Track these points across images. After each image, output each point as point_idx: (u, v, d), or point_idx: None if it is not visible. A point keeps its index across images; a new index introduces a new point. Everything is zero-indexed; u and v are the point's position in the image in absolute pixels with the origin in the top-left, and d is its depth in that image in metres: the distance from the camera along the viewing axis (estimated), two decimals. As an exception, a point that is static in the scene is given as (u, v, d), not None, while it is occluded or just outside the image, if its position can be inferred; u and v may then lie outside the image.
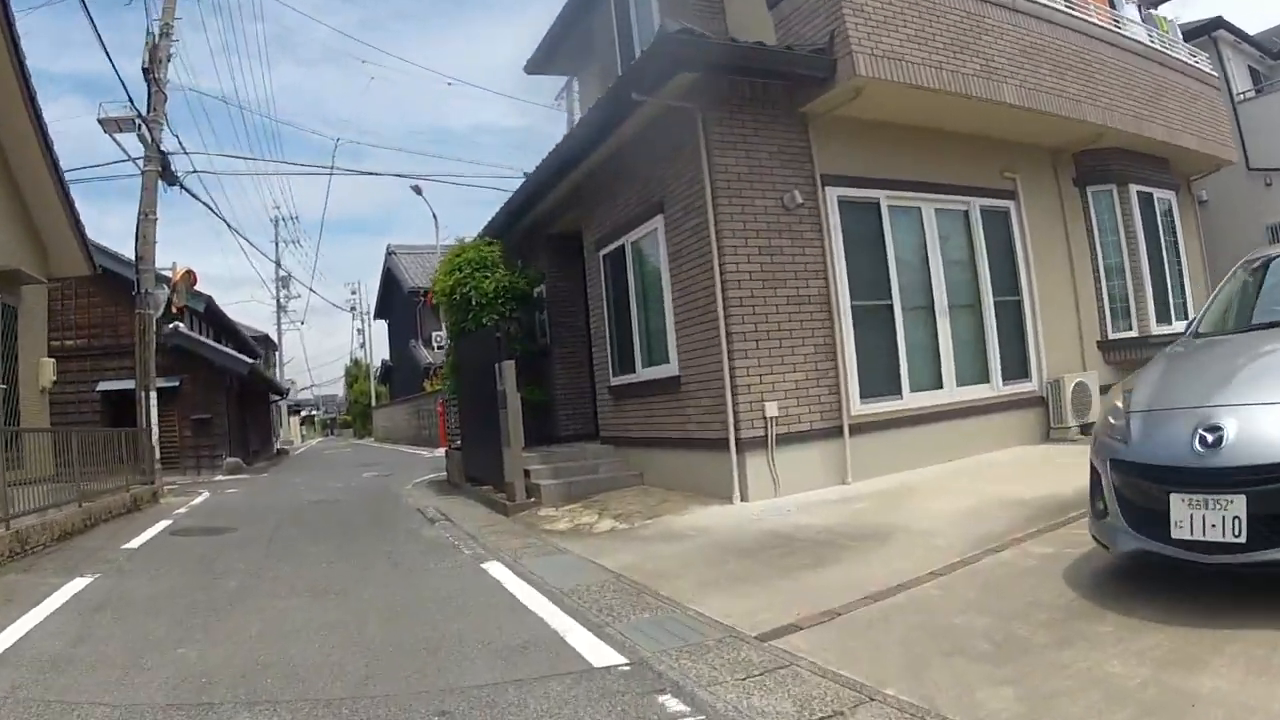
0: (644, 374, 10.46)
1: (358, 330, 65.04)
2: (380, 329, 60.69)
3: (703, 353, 8.93)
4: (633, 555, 6.53)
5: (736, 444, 8.34)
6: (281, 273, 56.76)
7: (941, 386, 9.90)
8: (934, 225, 10.10)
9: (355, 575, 6.74)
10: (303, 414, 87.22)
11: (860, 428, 8.98)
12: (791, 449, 8.55)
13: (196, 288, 20.01)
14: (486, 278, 12.69)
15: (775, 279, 8.75)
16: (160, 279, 16.45)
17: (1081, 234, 11.72)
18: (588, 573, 6.12)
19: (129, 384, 20.15)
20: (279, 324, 57.12)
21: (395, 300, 47.49)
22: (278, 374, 56.93)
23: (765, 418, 8.40)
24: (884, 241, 9.61)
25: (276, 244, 56.85)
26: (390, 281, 46.88)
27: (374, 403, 58.04)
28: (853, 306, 9.19)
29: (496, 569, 6.56)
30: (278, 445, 39.11)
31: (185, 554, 8.23)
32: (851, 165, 9.39)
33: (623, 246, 10.81)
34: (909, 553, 5.66)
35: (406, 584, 6.34)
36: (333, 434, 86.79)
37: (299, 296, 67.17)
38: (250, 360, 21.09)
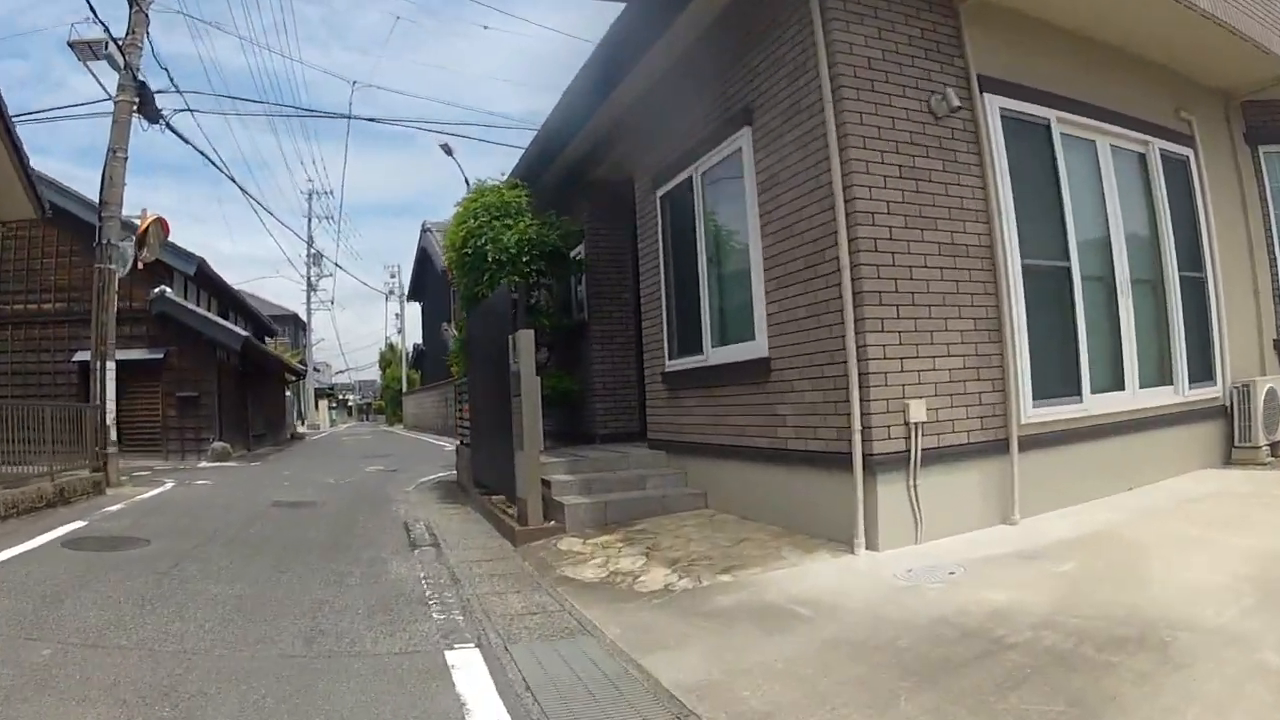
0: (714, 356, 7.71)
1: (395, 315, 62.74)
2: (415, 312, 58.86)
3: (810, 324, 6.16)
4: (710, 659, 3.79)
5: (865, 461, 5.53)
6: (312, 250, 55.20)
7: (1123, 388, 7.15)
8: (1111, 166, 7.35)
9: (226, 667, 4.04)
10: (341, 398, 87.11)
11: (1031, 442, 6.20)
12: (941, 471, 5.76)
13: (179, 244, 17.66)
14: (508, 227, 10.06)
15: (922, 217, 5.97)
16: (129, 227, 13.94)
17: (1256, 202, 8.95)
18: (631, 702, 3.37)
19: (120, 354, 17.91)
20: (308, 303, 55.36)
21: (429, 280, 45.23)
22: (307, 355, 55.16)
23: (907, 423, 5.61)
24: (1058, 179, 6.83)
25: (309, 220, 55.21)
26: (424, 261, 44.57)
27: (404, 388, 55.80)
28: (1023, 266, 6.40)
29: (469, 674, 3.86)
30: (294, 430, 36.76)
31: (25, 589, 5.61)
32: (1015, 69, 6.66)
33: (689, 180, 8.07)
34: (1238, 687, 3.02)
35: (296, 704, 3.60)
36: (367, 419, 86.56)
37: (330, 275, 64.97)
38: (244, 333, 18.57)
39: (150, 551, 7.15)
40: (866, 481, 5.49)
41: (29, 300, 18.08)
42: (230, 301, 24.61)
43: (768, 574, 5.16)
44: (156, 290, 17.72)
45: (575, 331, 11.22)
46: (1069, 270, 6.73)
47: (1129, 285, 7.24)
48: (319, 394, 63.32)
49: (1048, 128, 6.82)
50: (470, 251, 10.24)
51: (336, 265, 70.80)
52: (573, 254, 11.13)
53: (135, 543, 7.59)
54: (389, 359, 67.21)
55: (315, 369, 65.89)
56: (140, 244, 13.77)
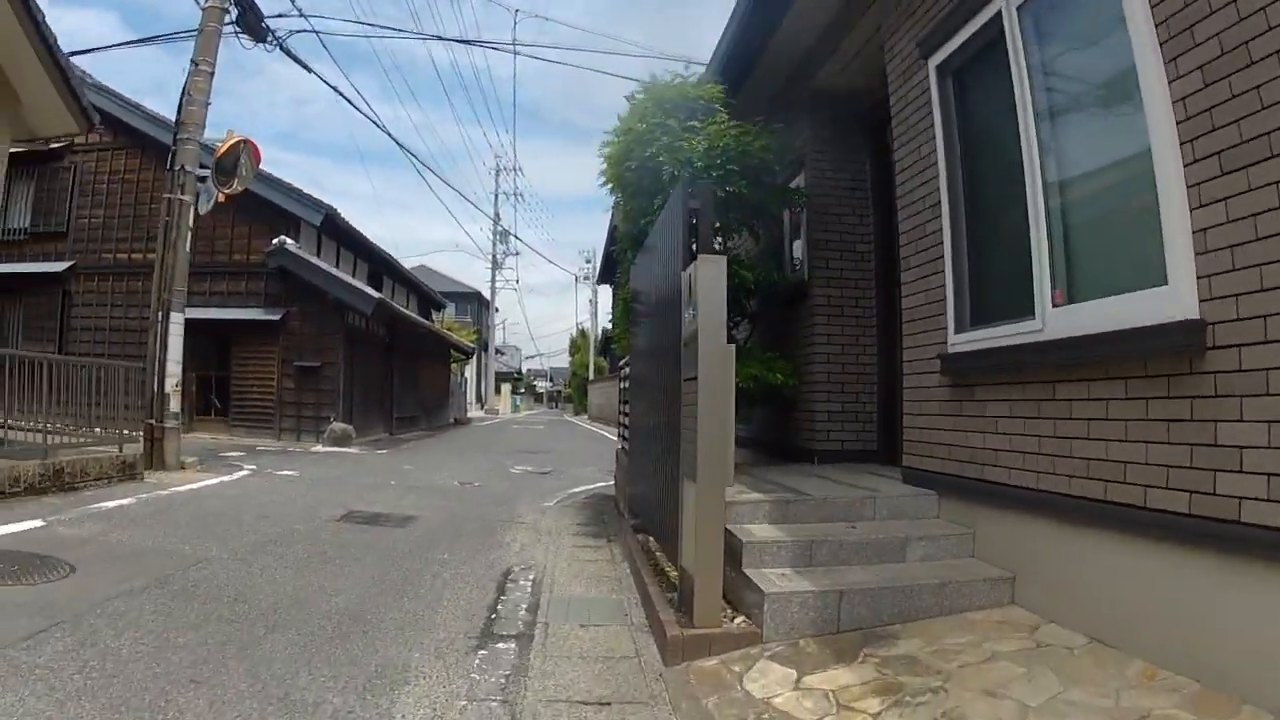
0: (1060, 321, 3.78)
1: (589, 301, 61.02)
2: (606, 296, 56.47)
3: None
4: None
5: None
6: (498, 226, 53.78)
7: None
8: None
9: None
10: (531, 384, 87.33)
11: None
12: None
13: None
14: (692, 131, 6.72)
15: None
16: (208, 151, 11.19)
17: None
18: None
19: (228, 312, 15.60)
20: (493, 281, 53.67)
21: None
22: (489, 335, 53.81)
23: None
24: None
25: (495, 196, 54.01)
26: (615, 239, 41.80)
27: (591, 376, 53.46)
28: None
29: None
30: (461, 414, 34.62)
31: None
32: None
33: (994, 21, 4.32)
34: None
35: None
36: (555, 406, 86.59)
37: (518, 253, 63.65)
38: (376, 295, 15.76)
39: (35, 597, 3.99)
40: None
41: (134, 249, 16.04)
42: (377, 262, 22.11)
43: None
44: (276, 241, 15.23)
45: (787, 297, 7.51)
46: None
47: None
48: (501, 377, 62.14)
49: None
50: (634, 166, 6.82)
51: (515, 237, 68.92)
52: (790, 183, 7.56)
53: (41, 571, 4.61)
54: (579, 345, 65.58)
55: (499, 351, 65.08)
56: (221, 170, 10.92)
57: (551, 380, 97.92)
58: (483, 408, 51.34)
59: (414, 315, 22.84)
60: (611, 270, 47.65)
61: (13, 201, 17.26)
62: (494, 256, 53.94)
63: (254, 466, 11.07)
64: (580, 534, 7.29)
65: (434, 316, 31.86)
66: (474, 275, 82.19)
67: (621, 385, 9.04)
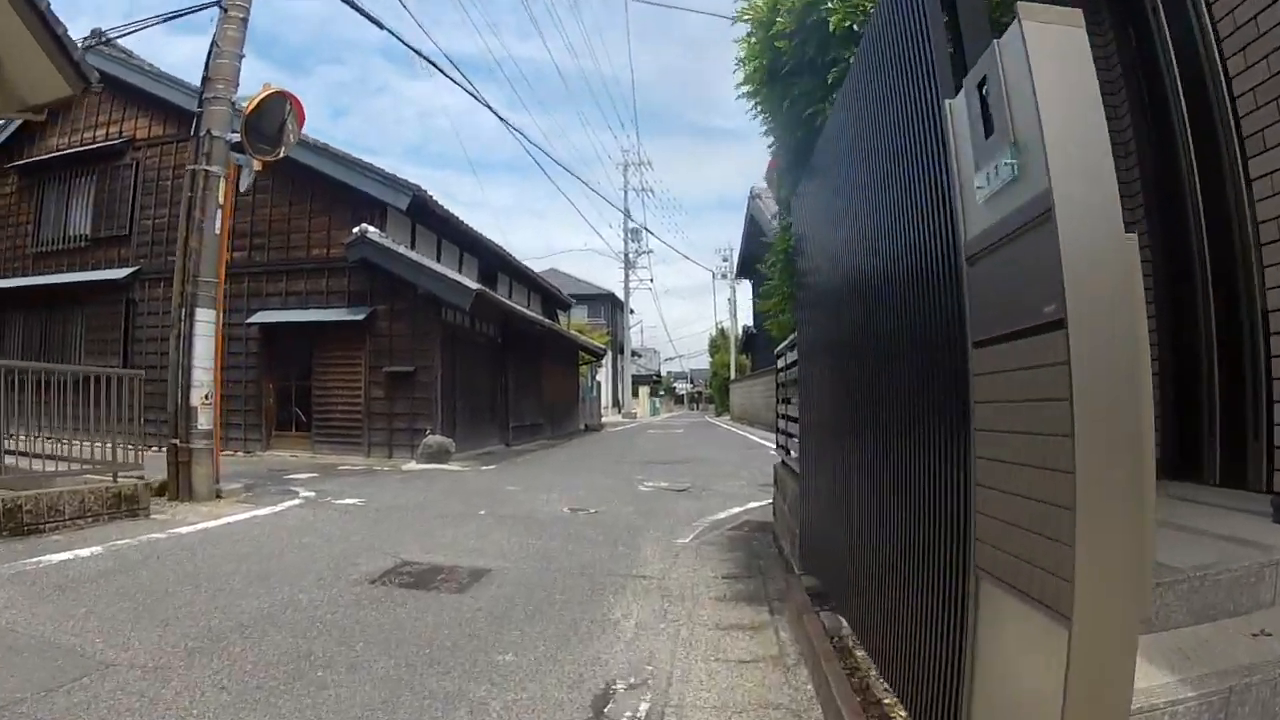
0: None
1: (728, 300, 58.54)
2: (746, 291, 54.01)
3: None
4: None
5: None
6: (629, 223, 51.67)
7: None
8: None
9: None
10: (670, 386, 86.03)
11: None
12: None
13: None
14: None
15: None
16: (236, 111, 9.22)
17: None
18: None
19: (307, 314, 13.81)
20: (626, 280, 51.65)
21: (759, 252, 39.88)
22: (623, 336, 51.84)
23: None
24: None
25: (625, 192, 51.97)
26: (753, 231, 39.44)
27: (732, 375, 50.96)
28: None
29: None
30: (593, 420, 32.52)
31: None
32: None
33: None
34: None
35: None
36: (696, 408, 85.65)
37: (651, 251, 61.71)
38: (475, 287, 13.44)
39: None
40: None
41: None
42: (489, 258, 19.96)
43: None
44: (356, 230, 13.21)
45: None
46: None
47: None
48: (638, 380, 60.15)
49: None
50: (790, 31, 4.77)
51: (648, 231, 66.82)
52: None
53: None
54: (719, 344, 63.26)
55: (635, 353, 63.14)
56: (258, 133, 8.91)
57: (691, 382, 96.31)
58: (619, 412, 49.40)
59: (529, 312, 20.63)
60: (750, 266, 45.31)
61: (73, 206, 16.07)
62: (625, 255, 51.94)
63: (313, 493, 9.03)
64: (727, 600, 4.85)
65: (560, 318, 29.86)
66: (607, 278, 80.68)
67: (781, 378, 6.52)
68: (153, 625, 4.04)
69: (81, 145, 16.01)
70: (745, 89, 5.63)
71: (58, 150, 16.30)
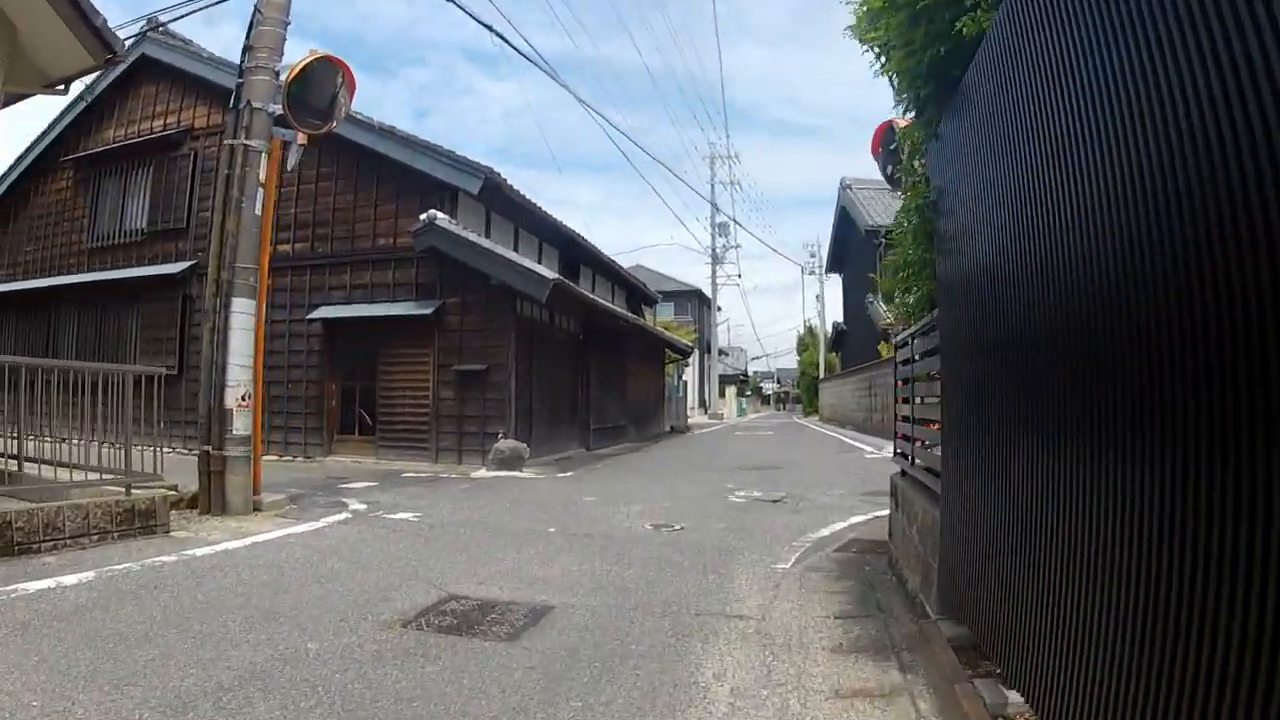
0: None
1: (815, 297, 56.71)
2: (834, 287, 52.11)
3: None
4: None
5: None
6: (717, 217, 50.38)
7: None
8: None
9: None
10: (757, 386, 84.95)
11: None
12: None
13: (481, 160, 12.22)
14: None
15: None
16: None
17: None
18: None
19: (373, 308, 13.15)
20: (713, 275, 50.55)
21: (850, 245, 38.90)
22: (710, 334, 50.65)
23: None
24: None
25: (712, 186, 50.70)
26: (844, 223, 38.14)
27: (821, 374, 49.42)
28: None
29: None
30: (679, 421, 31.50)
31: None
32: None
33: None
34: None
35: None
36: (784, 408, 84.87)
37: (739, 245, 60.00)
38: (552, 276, 12.40)
39: None
40: None
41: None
42: (570, 249, 18.97)
43: None
44: (425, 216, 12.38)
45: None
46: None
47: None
48: (725, 380, 58.82)
49: None
50: None
51: (735, 223, 65.01)
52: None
53: None
54: (807, 342, 61.78)
55: (723, 352, 61.72)
56: (304, 105, 8.13)
57: (778, 382, 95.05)
58: (705, 412, 48.21)
59: (612, 306, 19.61)
60: (841, 259, 43.67)
61: (129, 199, 15.61)
62: (713, 250, 50.71)
63: (364, 506, 8.15)
64: (845, 652, 3.81)
65: (646, 315, 28.86)
66: (694, 275, 79.51)
67: (907, 371, 5.40)
68: (109, 685, 3.15)
69: (139, 136, 15.58)
70: (863, 11, 4.54)
71: (114, 142, 15.94)
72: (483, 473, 11.55)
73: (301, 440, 13.60)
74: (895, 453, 6.14)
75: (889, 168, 6.62)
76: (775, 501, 9.09)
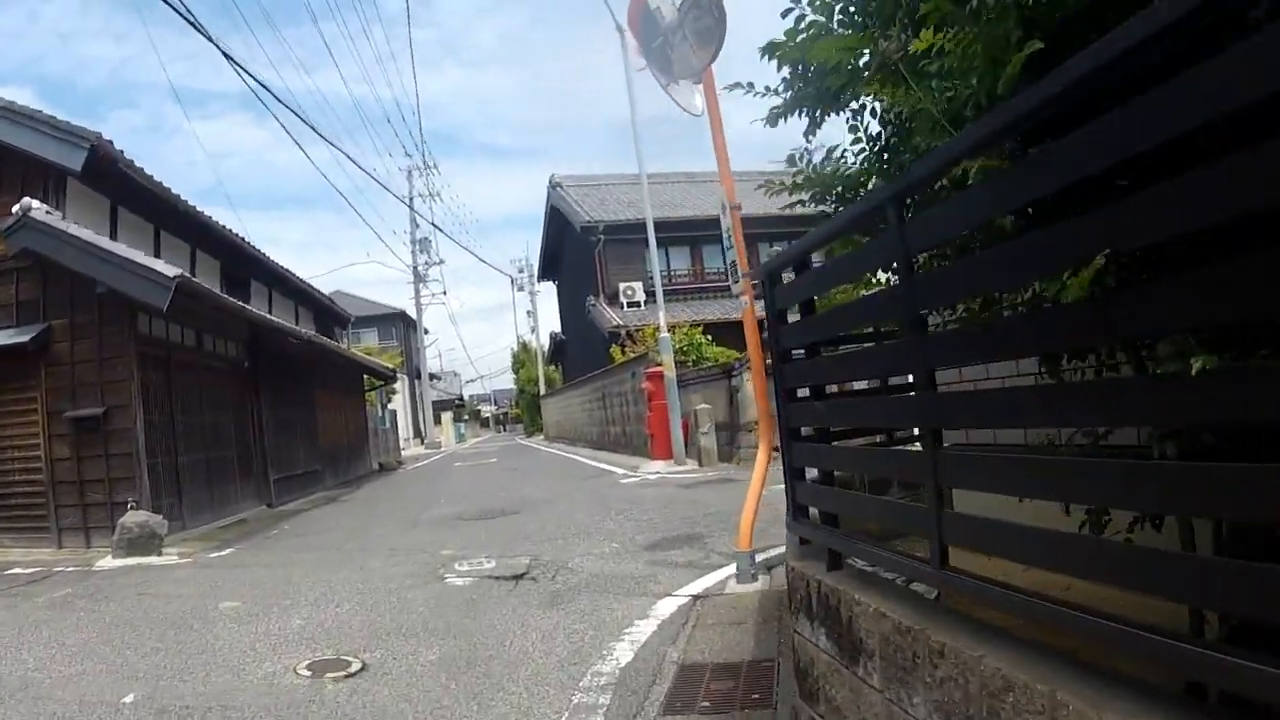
0: None
1: (527, 312, 54.33)
2: (547, 296, 50.28)
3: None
4: None
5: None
6: (417, 230, 46.70)
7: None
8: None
9: None
10: (475, 409, 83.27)
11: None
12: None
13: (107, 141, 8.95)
14: None
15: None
16: None
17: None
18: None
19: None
20: (417, 295, 46.57)
21: (565, 248, 37.66)
22: (419, 358, 47.59)
23: None
24: None
25: (410, 200, 46.28)
26: (556, 224, 36.80)
27: (542, 390, 47.62)
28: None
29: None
30: (389, 457, 28.76)
31: None
32: None
33: None
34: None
35: None
36: (504, 429, 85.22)
37: (443, 262, 56.14)
38: (174, 273, 9.42)
39: None
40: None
41: None
42: (236, 258, 15.66)
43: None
44: (17, 208, 9.28)
45: None
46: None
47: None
48: (440, 406, 56.10)
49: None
50: None
51: (436, 229, 61.33)
52: None
53: None
54: (522, 359, 60.34)
55: (434, 377, 58.84)
56: None
57: (496, 403, 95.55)
58: (422, 443, 45.27)
59: (284, 323, 16.50)
60: (554, 266, 41.93)
61: None
62: (414, 268, 46.95)
63: None
64: None
65: (341, 339, 25.78)
66: (399, 297, 75.72)
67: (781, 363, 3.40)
68: None
69: None
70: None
71: None
72: (106, 562, 8.52)
73: None
74: (791, 503, 3.61)
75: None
76: (518, 579, 6.62)
